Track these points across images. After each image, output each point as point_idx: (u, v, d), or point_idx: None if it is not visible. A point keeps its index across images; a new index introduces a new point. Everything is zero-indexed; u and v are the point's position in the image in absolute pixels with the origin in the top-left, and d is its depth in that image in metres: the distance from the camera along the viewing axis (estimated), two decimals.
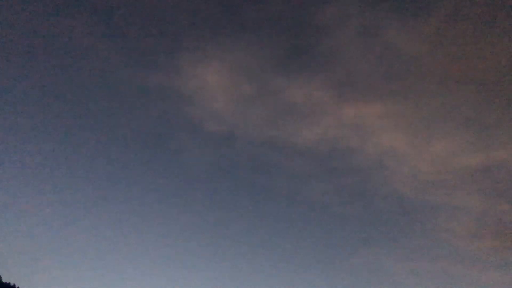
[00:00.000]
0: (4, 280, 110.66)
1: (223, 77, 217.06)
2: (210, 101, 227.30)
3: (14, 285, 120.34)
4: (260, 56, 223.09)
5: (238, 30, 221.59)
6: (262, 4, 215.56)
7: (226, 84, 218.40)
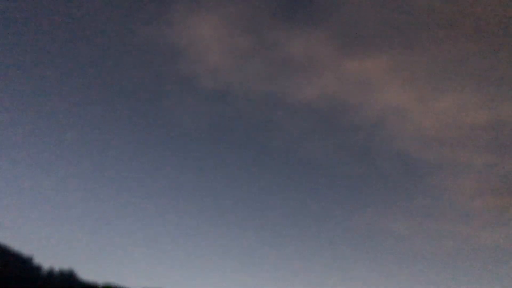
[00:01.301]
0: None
1: (218, 29, 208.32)
2: (204, 55, 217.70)
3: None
4: (256, 6, 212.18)
5: None
6: None
7: (221, 37, 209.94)
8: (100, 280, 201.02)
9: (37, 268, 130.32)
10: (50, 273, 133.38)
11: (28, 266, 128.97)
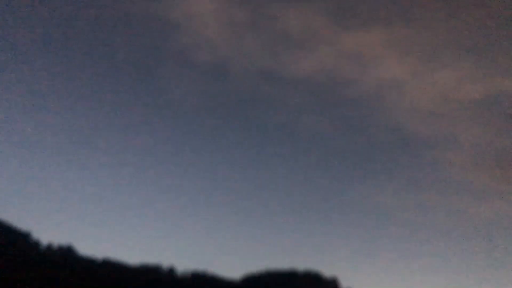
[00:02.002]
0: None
1: (214, 2, 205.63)
2: (200, 29, 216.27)
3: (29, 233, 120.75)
4: None
5: None
6: None
7: (218, 10, 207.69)
8: (98, 255, 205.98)
9: (36, 243, 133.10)
10: (49, 248, 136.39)
11: (27, 242, 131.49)
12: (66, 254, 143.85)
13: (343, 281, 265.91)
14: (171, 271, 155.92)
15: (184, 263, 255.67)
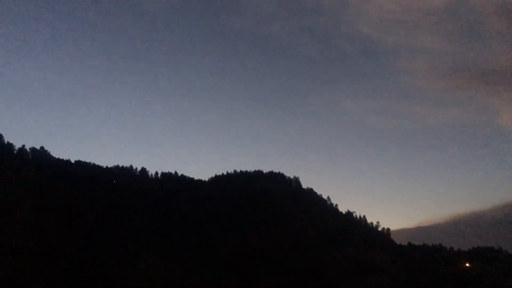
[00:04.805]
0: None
1: None
2: None
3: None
4: None
5: None
6: None
7: None
8: (72, 157, 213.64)
9: (8, 146, 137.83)
10: (22, 150, 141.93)
11: None
12: (40, 156, 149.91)
13: (304, 182, 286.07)
14: (142, 172, 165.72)
15: (156, 165, 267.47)
